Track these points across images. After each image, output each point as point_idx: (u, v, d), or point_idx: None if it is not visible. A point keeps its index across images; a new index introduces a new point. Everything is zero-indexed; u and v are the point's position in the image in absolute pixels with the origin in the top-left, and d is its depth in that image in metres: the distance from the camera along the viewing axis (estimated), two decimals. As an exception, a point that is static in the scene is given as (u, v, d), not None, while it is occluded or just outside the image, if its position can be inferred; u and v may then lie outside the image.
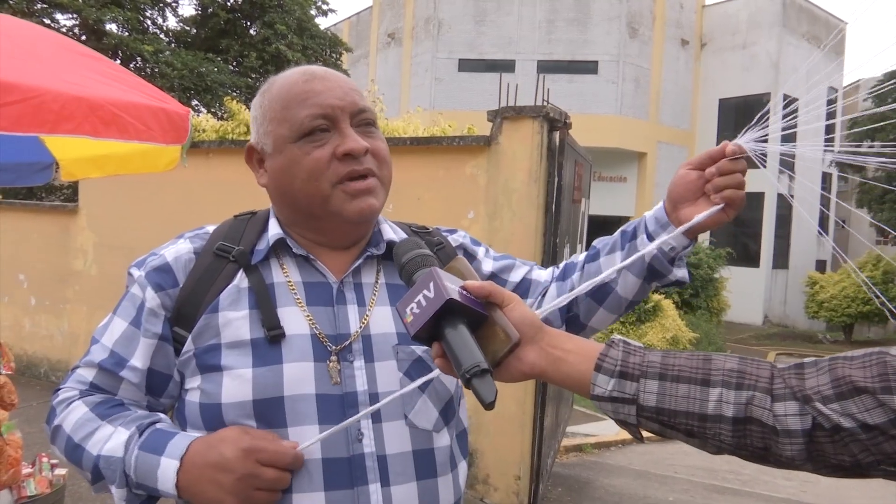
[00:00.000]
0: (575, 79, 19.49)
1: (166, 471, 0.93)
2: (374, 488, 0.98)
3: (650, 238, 1.11)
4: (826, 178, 21.50)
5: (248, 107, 7.25)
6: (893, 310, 1.02)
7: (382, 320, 1.07)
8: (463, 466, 1.14)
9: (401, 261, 0.95)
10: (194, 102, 14.49)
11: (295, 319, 1.03)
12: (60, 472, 3.44)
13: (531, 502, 4.16)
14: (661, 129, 20.04)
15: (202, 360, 1.01)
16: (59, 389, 1.09)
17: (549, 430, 4.49)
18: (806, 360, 0.79)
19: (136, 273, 1.08)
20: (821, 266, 20.96)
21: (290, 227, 1.10)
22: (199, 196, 5.44)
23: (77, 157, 3.10)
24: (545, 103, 4.58)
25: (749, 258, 19.04)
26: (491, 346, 0.85)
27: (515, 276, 1.25)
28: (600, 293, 1.17)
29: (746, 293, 17.73)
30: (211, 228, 1.13)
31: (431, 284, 0.84)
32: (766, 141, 0.99)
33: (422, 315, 0.83)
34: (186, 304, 1.04)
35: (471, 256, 1.26)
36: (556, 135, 4.07)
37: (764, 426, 0.75)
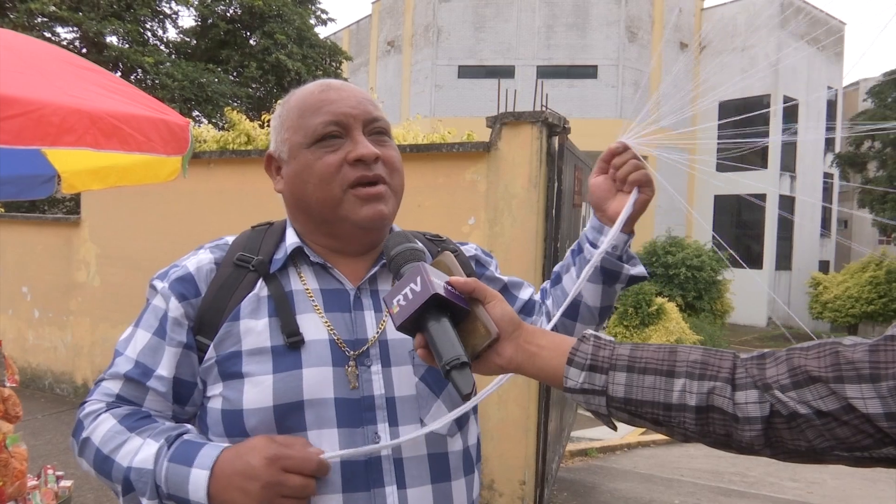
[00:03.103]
0: (575, 83, 19.54)
1: (197, 481, 0.95)
2: (391, 490, 1.00)
3: (592, 245, 1.20)
4: (828, 178, 21.47)
5: (249, 117, 7.28)
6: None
7: None
8: (477, 473, 1.16)
9: (390, 253, 0.97)
10: (195, 113, 14.55)
11: (313, 326, 1.05)
12: (66, 483, 3.44)
13: (536, 508, 4.15)
14: (662, 133, 20.05)
15: (224, 368, 1.03)
16: (86, 402, 1.09)
17: (553, 435, 4.48)
18: (766, 350, 0.83)
19: (160, 285, 1.09)
20: (824, 267, 20.92)
21: (306, 236, 1.13)
22: (201, 206, 5.46)
23: (78, 169, 3.11)
24: (544, 108, 4.60)
25: (752, 260, 19.01)
26: (471, 340, 0.89)
27: (525, 295, 1.30)
28: (571, 310, 1.23)
29: (750, 295, 17.69)
30: (230, 239, 1.16)
31: (418, 279, 0.88)
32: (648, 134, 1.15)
33: (407, 307, 0.87)
34: (208, 313, 1.06)
35: (483, 266, 1.29)
36: (556, 140, 4.07)
37: (725, 414, 0.78)
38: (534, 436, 4.09)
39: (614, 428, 0.90)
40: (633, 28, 19.71)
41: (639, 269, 1.23)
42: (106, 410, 1.06)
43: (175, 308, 1.06)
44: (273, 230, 1.16)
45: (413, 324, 0.88)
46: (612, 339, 0.89)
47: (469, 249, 1.29)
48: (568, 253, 1.27)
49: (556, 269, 1.30)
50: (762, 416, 0.76)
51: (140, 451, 0.99)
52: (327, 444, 0.99)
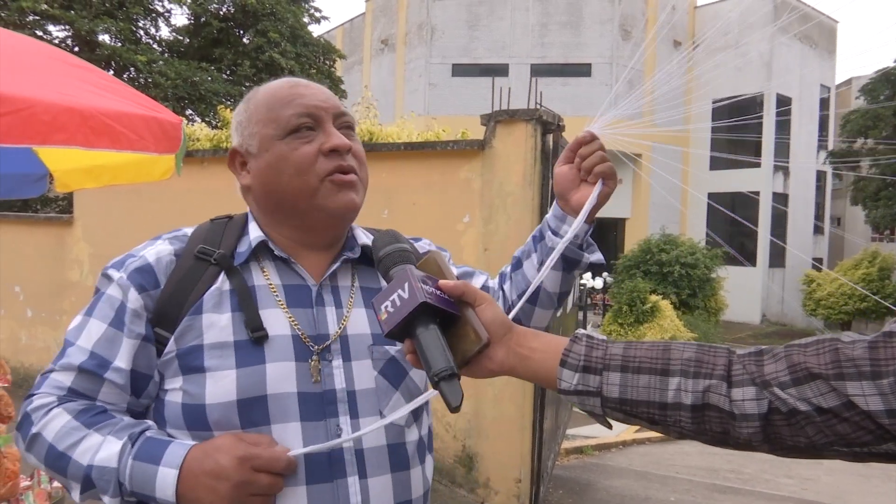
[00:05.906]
0: (569, 82, 19.54)
1: (165, 479, 0.94)
2: (353, 480, 1.02)
3: (553, 233, 1.24)
4: (821, 176, 21.54)
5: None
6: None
7: (359, 322, 1.11)
8: (429, 460, 1.19)
9: (378, 254, 0.97)
10: (188, 112, 14.51)
11: (277, 321, 1.05)
12: (59, 484, 3.42)
13: (532, 506, 4.15)
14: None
15: (185, 362, 1.02)
16: (33, 395, 1.05)
17: (548, 433, 4.48)
18: (763, 347, 0.83)
19: (116, 275, 1.07)
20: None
21: (271, 228, 1.13)
22: (195, 204, 5.43)
23: (71, 167, 3.09)
24: (538, 106, 4.59)
25: (746, 257, 19.06)
26: (461, 345, 0.87)
27: (477, 283, 1.32)
28: (531, 295, 1.26)
29: (744, 292, 17.73)
30: (189, 231, 1.14)
31: (406, 285, 0.86)
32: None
33: (395, 314, 0.86)
34: (168, 306, 1.04)
35: None
36: (550, 137, 4.07)
37: (721, 411, 0.78)
38: (529, 434, 4.09)
39: (609, 427, 0.90)
40: (627, 26, 19.73)
41: (597, 256, 1.28)
42: (58, 405, 1.02)
43: (134, 299, 1.04)
44: (234, 223, 1.16)
45: (402, 329, 0.86)
46: (605, 338, 0.88)
47: (423, 245, 1.29)
48: (529, 239, 1.31)
49: (516, 253, 1.34)
50: (760, 413, 0.76)
51: (101, 449, 0.97)
52: (291, 436, 1.00)
